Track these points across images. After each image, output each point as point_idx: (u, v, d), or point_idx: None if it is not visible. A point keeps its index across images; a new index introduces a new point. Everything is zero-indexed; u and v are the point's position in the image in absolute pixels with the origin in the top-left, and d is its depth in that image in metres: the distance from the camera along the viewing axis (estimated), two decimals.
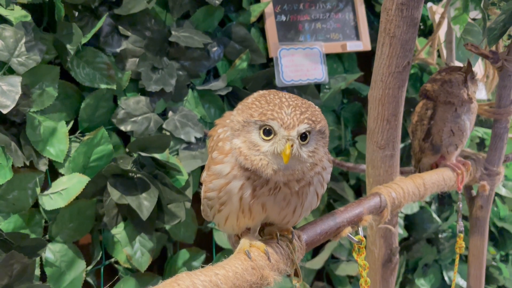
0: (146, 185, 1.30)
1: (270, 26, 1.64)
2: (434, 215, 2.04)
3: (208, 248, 1.55)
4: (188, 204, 1.41)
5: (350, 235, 0.94)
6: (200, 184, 1.50)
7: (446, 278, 2.09)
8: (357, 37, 1.81)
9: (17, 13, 1.19)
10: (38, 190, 1.23)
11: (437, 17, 1.84)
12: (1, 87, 1.12)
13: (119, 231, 1.33)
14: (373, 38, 1.85)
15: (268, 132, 0.67)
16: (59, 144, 1.25)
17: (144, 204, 1.27)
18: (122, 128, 1.36)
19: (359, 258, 0.95)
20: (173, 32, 1.45)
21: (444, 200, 2.15)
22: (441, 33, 1.79)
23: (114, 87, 1.33)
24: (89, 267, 1.32)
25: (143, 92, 1.42)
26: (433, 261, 2.09)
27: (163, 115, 1.46)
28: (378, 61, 1.06)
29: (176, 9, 1.46)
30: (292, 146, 0.66)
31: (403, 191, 1.11)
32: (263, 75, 1.62)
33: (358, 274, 1.78)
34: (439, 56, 1.91)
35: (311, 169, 0.70)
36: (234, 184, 0.70)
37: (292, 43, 1.68)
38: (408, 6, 0.98)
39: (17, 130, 1.22)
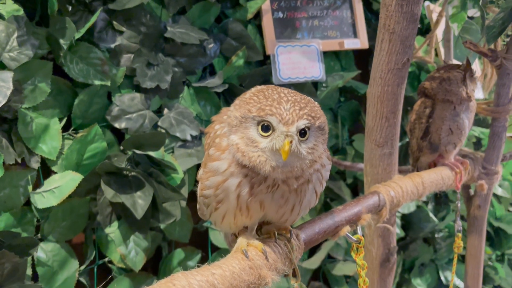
0: (140, 183, 1.28)
1: (267, 23, 1.63)
2: (431, 215, 2.03)
3: (203, 248, 1.53)
4: (184, 203, 1.39)
5: (349, 235, 0.92)
6: (196, 182, 1.49)
7: (442, 278, 2.08)
8: (355, 34, 1.79)
9: (9, 7, 1.17)
10: (30, 188, 1.20)
11: (434, 16, 1.83)
12: None
13: (113, 230, 1.31)
14: (371, 36, 1.83)
15: (266, 128, 0.65)
16: (51, 141, 1.22)
17: (139, 202, 1.25)
18: (117, 125, 1.33)
19: (358, 258, 0.93)
20: (168, 28, 1.43)
21: (440, 199, 2.14)
22: (439, 31, 1.78)
23: (108, 83, 1.31)
24: (82, 267, 1.29)
25: (138, 88, 1.40)
26: (430, 260, 2.08)
27: (158, 112, 1.44)
28: (377, 58, 1.05)
29: (172, 4, 1.44)
30: (291, 142, 0.64)
31: (402, 190, 1.10)
32: (260, 72, 1.60)
33: (355, 274, 1.77)
34: (436, 54, 1.91)
35: (310, 166, 0.69)
36: (231, 181, 0.69)
37: (289, 40, 1.66)
38: (408, 2, 0.96)
39: (9, 126, 1.19)
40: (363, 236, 0.94)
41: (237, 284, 0.67)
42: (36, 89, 1.20)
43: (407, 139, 1.87)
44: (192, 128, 1.43)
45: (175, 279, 0.62)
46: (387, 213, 1.06)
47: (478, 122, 2.15)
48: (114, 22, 1.36)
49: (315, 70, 1.67)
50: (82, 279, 1.30)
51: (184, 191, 1.38)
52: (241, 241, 0.74)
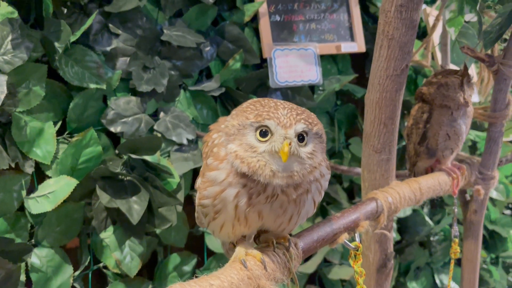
0: (136, 188, 1.26)
1: (264, 26, 1.62)
2: (427, 218, 2.03)
3: (199, 252, 1.52)
4: (180, 208, 1.38)
5: (347, 242, 0.92)
6: (192, 186, 1.48)
7: (437, 281, 2.09)
8: (352, 38, 1.79)
9: (3, 9, 1.15)
10: (23, 193, 1.19)
11: (431, 19, 1.83)
12: None
13: (108, 235, 1.29)
14: (368, 40, 1.83)
15: (264, 133, 0.66)
16: (46, 145, 1.21)
17: (134, 207, 1.23)
18: (112, 129, 1.32)
19: (356, 265, 0.93)
20: (165, 31, 1.41)
21: (436, 203, 2.15)
22: (436, 35, 1.78)
23: (104, 86, 1.29)
24: (77, 272, 1.28)
25: (133, 92, 1.39)
26: (425, 264, 2.08)
27: (154, 116, 1.42)
28: (375, 64, 1.04)
29: (168, 7, 1.43)
30: (290, 144, 0.64)
31: (400, 196, 1.10)
32: (257, 76, 1.60)
33: (351, 278, 1.77)
34: (433, 58, 1.91)
35: (310, 172, 0.68)
36: (229, 191, 0.68)
37: (286, 43, 1.65)
38: (407, 8, 0.96)
39: (2, 130, 1.17)
40: (360, 242, 0.93)
41: None
42: (30, 93, 1.19)
43: (404, 143, 1.87)
44: (188, 132, 1.42)
45: None
46: (385, 219, 1.05)
47: (473, 125, 2.15)
48: (110, 25, 1.35)
49: (312, 74, 1.67)
50: (76, 285, 1.28)
51: (180, 196, 1.37)
52: (239, 250, 0.73)
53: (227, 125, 0.69)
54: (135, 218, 1.22)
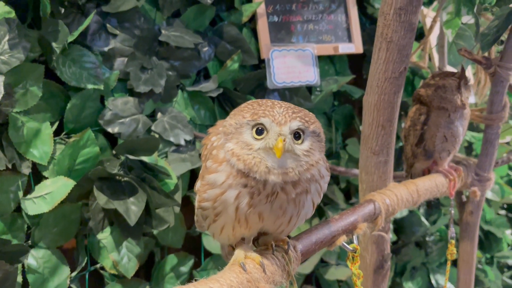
0: (133, 189, 1.26)
1: (262, 26, 1.62)
2: (423, 219, 2.04)
3: (196, 253, 1.52)
4: (177, 209, 1.38)
5: (345, 244, 0.92)
6: (190, 188, 1.47)
7: (433, 281, 2.10)
8: (349, 39, 1.79)
9: (0, 9, 1.14)
10: (20, 194, 1.18)
11: (428, 20, 1.83)
12: None
13: (105, 236, 1.29)
14: (365, 41, 1.84)
15: (260, 131, 0.68)
16: (43, 146, 1.20)
17: (132, 208, 1.23)
18: (109, 129, 1.31)
19: (353, 267, 0.93)
20: (163, 31, 1.41)
21: (432, 203, 2.15)
22: (433, 37, 1.79)
23: (102, 87, 1.29)
24: (74, 273, 1.27)
25: (131, 92, 1.38)
26: (421, 264, 2.09)
27: (152, 116, 1.42)
28: (374, 66, 1.04)
29: (166, 7, 1.42)
30: (284, 140, 0.65)
31: (397, 198, 1.10)
32: (255, 76, 1.59)
33: (347, 278, 1.77)
34: (430, 59, 1.91)
35: (307, 169, 0.69)
36: (229, 193, 0.69)
37: (284, 44, 1.65)
38: (406, 11, 0.96)
39: None
40: (358, 244, 0.94)
41: None
42: (27, 93, 1.18)
43: (401, 144, 1.87)
44: (186, 133, 1.42)
45: None
46: (382, 221, 1.06)
47: (469, 126, 2.16)
48: (108, 25, 1.34)
49: (310, 75, 1.67)
50: (73, 286, 1.28)
51: (178, 197, 1.36)
52: (239, 253, 0.73)
53: (225, 125, 0.71)
54: (132, 219, 1.22)
